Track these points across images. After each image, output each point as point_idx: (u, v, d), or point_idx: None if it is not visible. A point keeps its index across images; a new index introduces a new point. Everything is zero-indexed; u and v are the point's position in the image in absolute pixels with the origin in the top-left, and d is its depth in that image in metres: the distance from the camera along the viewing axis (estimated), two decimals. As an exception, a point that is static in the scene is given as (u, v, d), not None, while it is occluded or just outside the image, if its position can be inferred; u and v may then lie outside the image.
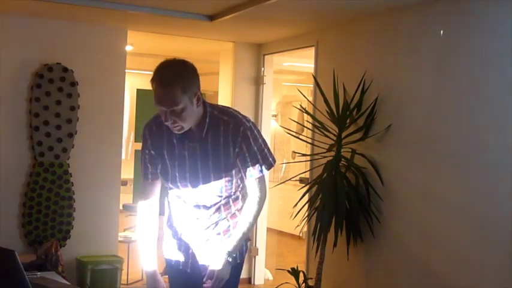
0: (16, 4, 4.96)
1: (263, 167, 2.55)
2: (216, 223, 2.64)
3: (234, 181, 2.57)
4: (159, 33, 6.08)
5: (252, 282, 6.45)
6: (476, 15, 3.94)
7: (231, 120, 2.49)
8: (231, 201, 2.63)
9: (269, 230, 6.91)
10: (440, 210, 4.12)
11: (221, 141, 2.48)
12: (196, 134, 2.50)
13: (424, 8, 4.28)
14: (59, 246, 5.30)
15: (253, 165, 2.52)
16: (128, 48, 6.16)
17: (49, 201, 5.42)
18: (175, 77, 2.37)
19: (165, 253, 2.79)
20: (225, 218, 2.65)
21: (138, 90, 6.32)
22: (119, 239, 5.98)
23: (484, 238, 3.81)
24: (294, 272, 5.02)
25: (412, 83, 4.41)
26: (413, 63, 4.40)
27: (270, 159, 2.57)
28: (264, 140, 2.56)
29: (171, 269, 2.81)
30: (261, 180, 2.60)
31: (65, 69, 5.48)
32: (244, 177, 2.57)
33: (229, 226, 2.66)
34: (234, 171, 2.54)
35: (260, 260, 6.48)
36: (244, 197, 2.67)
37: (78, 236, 5.56)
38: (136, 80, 9.09)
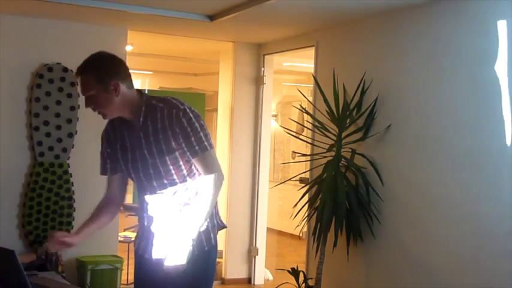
0: (16, 4, 4.96)
1: (197, 149, 2.62)
2: (177, 199, 2.73)
3: (182, 162, 2.66)
4: (159, 33, 6.08)
5: (252, 282, 6.45)
6: (476, 16, 3.94)
7: (166, 106, 2.63)
8: (188, 179, 2.70)
9: (269, 230, 6.92)
10: (440, 210, 4.12)
11: (159, 127, 2.61)
12: (136, 124, 2.66)
13: (424, 8, 4.28)
14: (59, 246, 5.29)
15: (189, 145, 2.62)
16: (128, 48, 6.15)
17: (49, 201, 5.42)
18: (88, 66, 2.60)
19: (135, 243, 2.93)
20: (185, 192, 2.73)
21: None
22: (119, 239, 5.98)
23: (484, 238, 3.81)
24: (294, 272, 5.02)
25: (412, 83, 4.41)
26: (413, 64, 4.40)
27: (206, 143, 2.63)
28: (201, 125, 2.64)
29: (135, 256, 2.91)
30: (206, 161, 2.64)
31: (65, 69, 5.47)
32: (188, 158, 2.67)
33: (189, 198, 2.72)
34: (177, 153, 2.64)
35: (260, 260, 6.48)
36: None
37: (78, 236, 5.55)
38: (136, 80, 9.10)
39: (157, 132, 2.61)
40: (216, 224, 2.82)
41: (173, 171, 2.66)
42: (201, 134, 2.61)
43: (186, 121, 2.59)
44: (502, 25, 3.76)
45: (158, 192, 2.71)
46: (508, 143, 3.68)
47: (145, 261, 2.82)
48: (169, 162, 2.64)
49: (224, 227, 2.89)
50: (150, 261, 2.77)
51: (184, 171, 2.67)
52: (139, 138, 2.66)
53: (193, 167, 2.69)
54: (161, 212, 2.74)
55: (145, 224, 2.81)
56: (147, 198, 2.75)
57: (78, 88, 5.42)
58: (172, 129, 2.59)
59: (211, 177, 2.63)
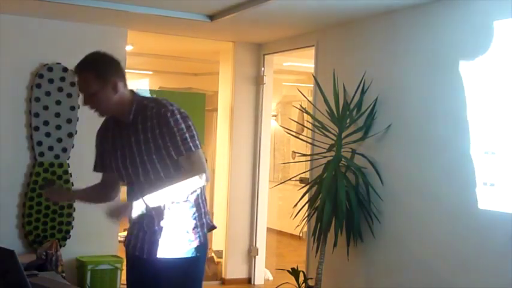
0: (16, 4, 4.96)
1: (182, 148, 2.65)
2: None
3: (168, 161, 2.69)
4: (159, 33, 6.08)
5: (252, 282, 6.45)
6: (476, 16, 3.94)
7: (155, 105, 2.69)
8: (173, 174, 2.72)
9: (269, 230, 6.92)
10: (441, 210, 4.12)
11: (148, 125, 2.67)
12: (127, 121, 2.71)
13: (424, 8, 4.28)
14: (59, 246, 5.30)
15: (174, 145, 2.65)
16: (128, 48, 6.15)
17: (49, 201, 5.41)
18: (88, 64, 2.66)
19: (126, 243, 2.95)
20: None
21: (138, 90, 6.31)
22: (119, 239, 5.97)
23: (485, 238, 3.81)
24: (294, 272, 5.02)
25: (412, 83, 4.41)
26: (413, 64, 4.40)
27: (191, 144, 2.66)
28: (188, 127, 2.67)
29: (128, 256, 2.93)
30: (191, 161, 2.67)
31: (65, 69, 5.47)
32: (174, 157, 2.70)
33: None
34: (164, 152, 2.68)
35: (260, 260, 6.48)
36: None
37: (78, 236, 5.56)
38: (136, 80, 9.10)
39: (147, 131, 2.66)
40: (205, 223, 2.85)
41: (160, 169, 2.70)
42: (187, 134, 2.65)
43: (173, 121, 2.63)
44: (502, 25, 3.76)
45: (145, 187, 2.72)
46: (509, 143, 3.68)
47: (136, 259, 2.85)
48: (156, 160, 2.68)
49: (213, 227, 2.92)
50: (141, 259, 2.81)
51: (171, 169, 2.70)
52: (128, 136, 2.71)
53: (180, 166, 2.71)
54: (151, 209, 2.73)
55: (135, 220, 2.81)
56: (136, 196, 2.75)
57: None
58: (159, 127, 2.64)
59: (194, 174, 2.65)
